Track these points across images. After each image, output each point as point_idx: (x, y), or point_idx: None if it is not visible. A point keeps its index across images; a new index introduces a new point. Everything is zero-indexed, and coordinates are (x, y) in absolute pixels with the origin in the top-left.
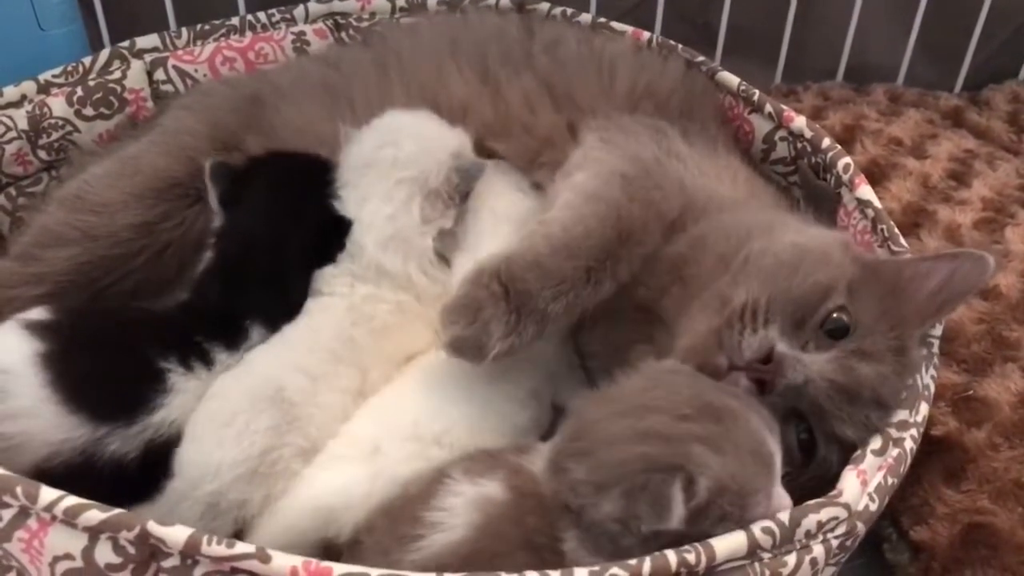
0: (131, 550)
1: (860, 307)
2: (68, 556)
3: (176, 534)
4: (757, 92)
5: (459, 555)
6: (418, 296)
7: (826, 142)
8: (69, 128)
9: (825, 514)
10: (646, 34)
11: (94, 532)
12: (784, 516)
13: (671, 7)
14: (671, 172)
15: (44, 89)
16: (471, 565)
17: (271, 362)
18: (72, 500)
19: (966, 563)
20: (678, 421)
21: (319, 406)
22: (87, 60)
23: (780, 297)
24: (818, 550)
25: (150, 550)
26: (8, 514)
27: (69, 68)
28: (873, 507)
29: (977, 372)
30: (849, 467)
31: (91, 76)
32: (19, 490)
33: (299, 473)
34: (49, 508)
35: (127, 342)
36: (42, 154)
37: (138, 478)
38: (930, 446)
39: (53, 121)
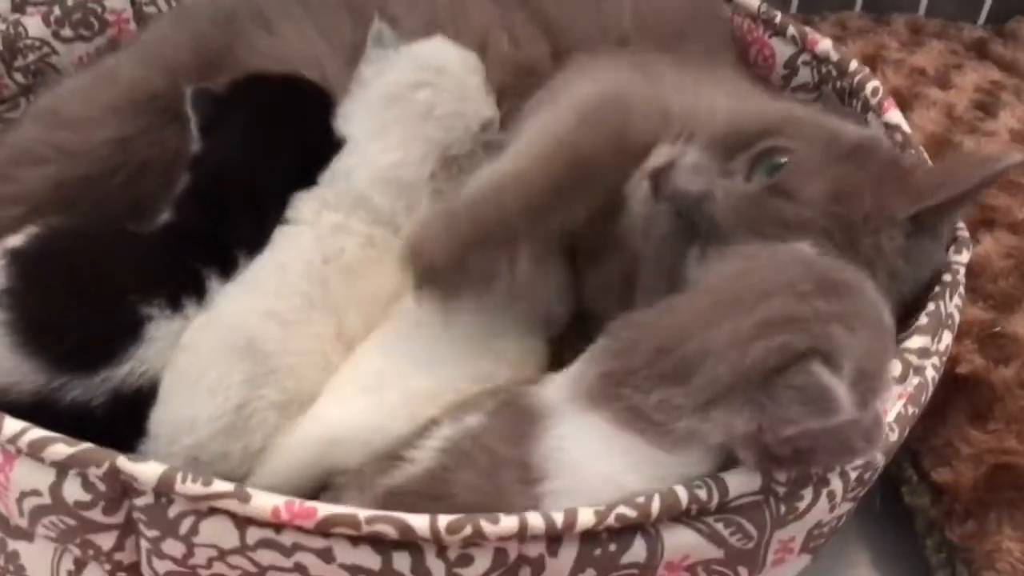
0: (101, 487)
1: (807, 166)
2: (35, 492)
3: (148, 471)
4: (779, 14)
5: (418, 485)
6: (396, 230)
7: (853, 65)
8: (47, 50)
9: None
10: None
11: (62, 467)
12: None
13: None
14: (649, 96)
15: (19, 7)
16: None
17: (239, 308)
18: (37, 433)
19: (991, 505)
20: (800, 301)
21: (295, 355)
22: None
23: (710, 121)
24: (836, 484)
25: (122, 487)
26: None
27: None
28: (893, 437)
29: (1004, 308)
30: None
31: None
32: None
33: (276, 425)
34: (13, 440)
35: (105, 282)
36: (18, 77)
37: (110, 421)
38: (955, 385)
39: (29, 42)
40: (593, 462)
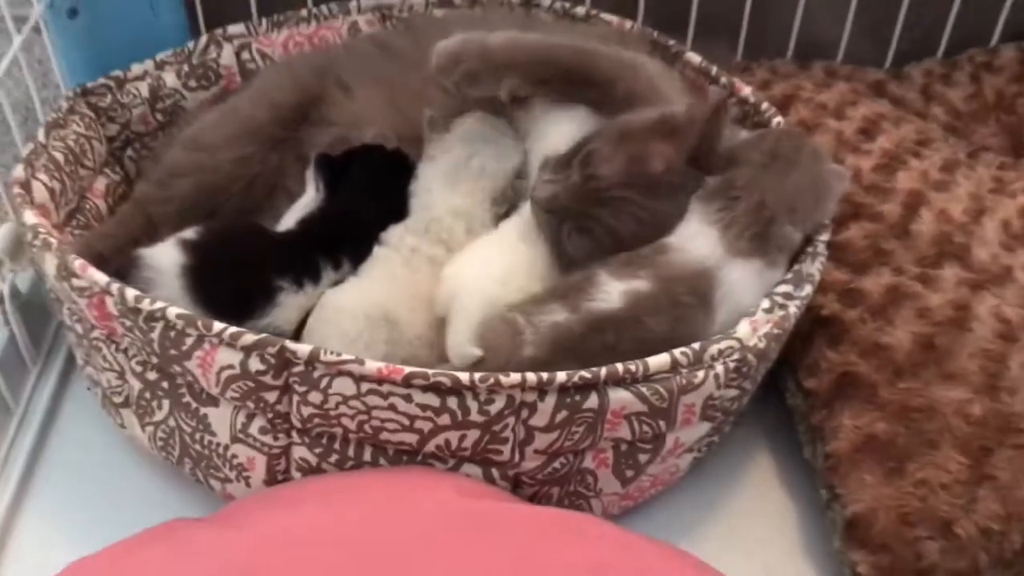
0: (272, 360)
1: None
2: (230, 367)
3: (303, 348)
4: (714, 67)
5: (615, 319)
6: (450, 248)
7: (764, 105)
8: (178, 96)
9: (724, 344)
10: (628, 23)
11: (248, 349)
12: (696, 345)
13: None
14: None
15: (160, 66)
16: (625, 326)
17: (374, 292)
18: (233, 329)
19: (837, 399)
20: (810, 149)
21: (411, 328)
22: (191, 44)
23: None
24: (719, 368)
25: (285, 361)
26: (190, 340)
27: (177, 51)
28: (761, 345)
29: (858, 272)
30: (745, 318)
31: (194, 56)
32: (199, 323)
33: None
34: (218, 335)
35: (253, 262)
36: (159, 116)
37: None
38: (820, 323)
39: (167, 91)
40: (744, 291)
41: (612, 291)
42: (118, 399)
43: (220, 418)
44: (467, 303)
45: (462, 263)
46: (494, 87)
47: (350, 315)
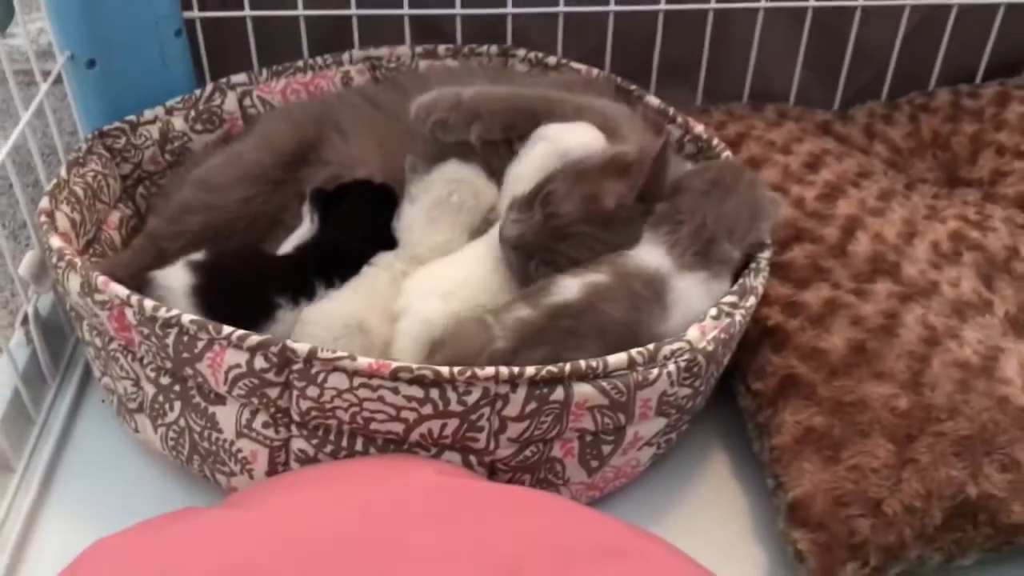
0: (275, 359)
1: (562, 193)
2: (237, 366)
3: (302, 348)
4: (672, 108)
5: (573, 307)
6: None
7: (715, 141)
8: (186, 139)
9: (676, 345)
10: (595, 71)
11: (253, 349)
12: (651, 346)
13: (617, 49)
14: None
15: (169, 112)
16: (582, 312)
17: (353, 305)
18: (240, 332)
19: (780, 398)
20: (749, 178)
21: (379, 335)
22: (198, 92)
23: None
24: (672, 367)
25: (286, 359)
26: (201, 343)
27: (185, 97)
28: (710, 348)
29: (800, 287)
30: (695, 324)
31: (200, 103)
32: (210, 327)
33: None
34: (227, 337)
35: (255, 282)
36: (168, 157)
37: None
38: (766, 332)
39: (175, 134)
40: (693, 297)
41: (572, 286)
42: (133, 405)
43: (227, 416)
44: (410, 324)
45: (417, 278)
46: (464, 133)
47: (325, 326)
